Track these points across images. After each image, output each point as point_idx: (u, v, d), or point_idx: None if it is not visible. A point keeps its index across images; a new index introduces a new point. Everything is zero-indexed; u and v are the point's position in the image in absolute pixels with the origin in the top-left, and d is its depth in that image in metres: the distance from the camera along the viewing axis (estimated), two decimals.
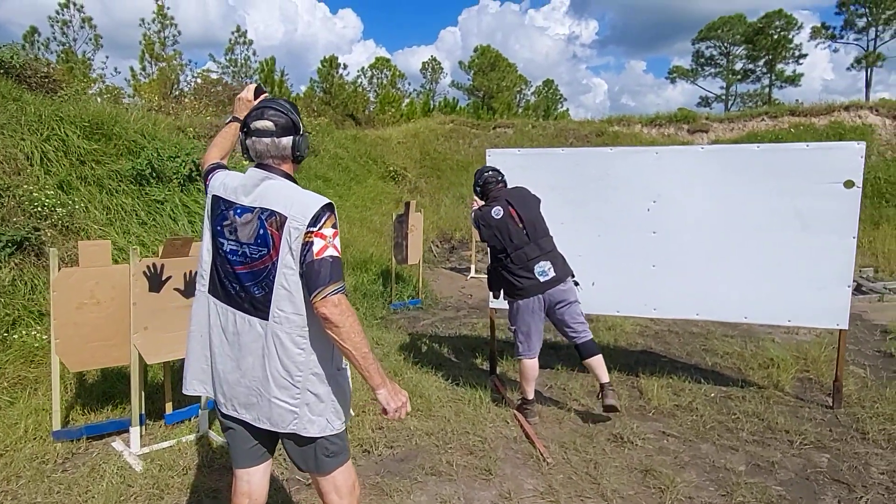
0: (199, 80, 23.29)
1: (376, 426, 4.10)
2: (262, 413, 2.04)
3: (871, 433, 3.95)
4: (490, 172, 4.34)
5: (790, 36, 43.82)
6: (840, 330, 4.32)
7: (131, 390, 3.71)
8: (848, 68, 45.03)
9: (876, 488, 3.36)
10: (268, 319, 1.98)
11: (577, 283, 4.24)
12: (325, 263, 1.91)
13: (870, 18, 40.70)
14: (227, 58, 30.54)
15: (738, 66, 46.64)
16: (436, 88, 45.70)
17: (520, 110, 40.51)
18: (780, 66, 44.79)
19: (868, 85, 41.59)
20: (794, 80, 44.86)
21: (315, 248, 1.91)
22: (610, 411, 4.11)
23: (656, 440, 3.98)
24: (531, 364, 4.23)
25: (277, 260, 1.96)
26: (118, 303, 3.80)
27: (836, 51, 53.26)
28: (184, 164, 7.19)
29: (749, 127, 14.83)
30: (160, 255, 3.72)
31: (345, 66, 36.40)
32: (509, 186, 4.35)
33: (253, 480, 2.18)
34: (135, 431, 3.71)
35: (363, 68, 42.75)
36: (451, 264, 11.08)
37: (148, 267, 3.67)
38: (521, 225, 4.11)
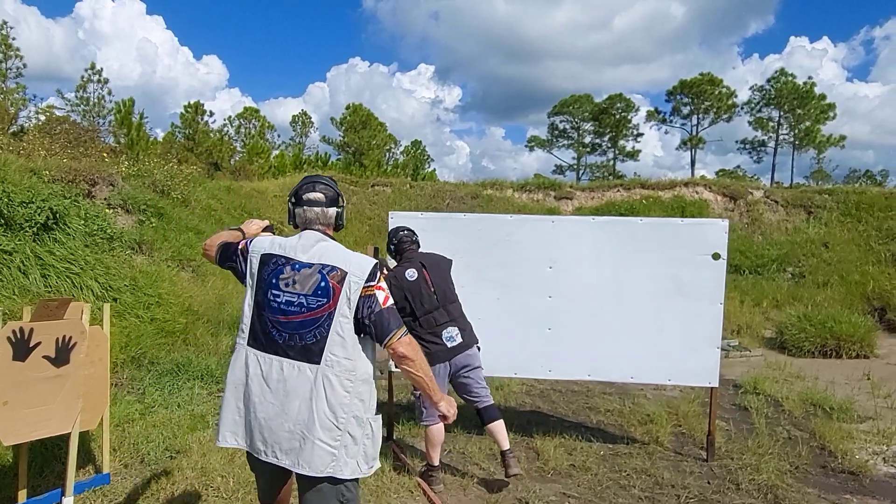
0: (42, 117, 21.22)
1: None
2: (302, 457, 2.21)
3: (743, 484, 4.32)
4: (405, 232, 4.35)
5: (629, 117, 49.37)
6: (711, 388, 4.75)
7: None
8: (677, 148, 51.30)
9: None
10: (319, 364, 2.22)
11: (479, 348, 4.29)
12: (392, 311, 2.28)
13: (692, 108, 47.03)
14: (79, 95, 28.25)
15: (588, 139, 51.45)
16: (306, 142, 45.40)
17: (389, 168, 41.20)
18: (621, 142, 50.04)
19: (693, 163, 47.66)
20: (633, 155, 50.30)
21: (380, 299, 2.25)
22: (514, 478, 4.13)
23: (558, 502, 4.06)
24: (437, 429, 4.16)
25: (335, 309, 2.22)
26: None
27: (666, 132, 60.73)
28: (39, 210, 6.43)
29: (607, 196, 16.32)
30: (31, 317, 3.25)
31: (211, 114, 35.12)
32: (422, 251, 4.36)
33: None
34: None
35: (230, 117, 41.52)
36: None
37: (14, 332, 3.18)
38: (432, 289, 4.11)
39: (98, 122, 27.13)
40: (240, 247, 2.44)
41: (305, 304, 2.24)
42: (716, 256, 4.62)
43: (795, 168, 44.71)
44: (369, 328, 2.24)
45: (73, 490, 3.57)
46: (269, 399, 2.23)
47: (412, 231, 4.38)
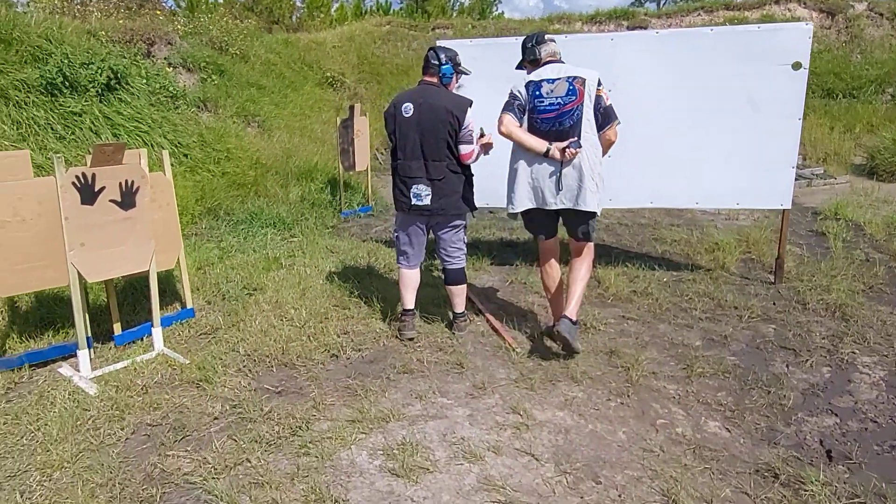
0: None
1: (341, 331, 4.06)
2: (580, 199, 3.41)
3: (810, 304, 4.22)
4: (431, 52, 3.74)
5: None
6: (783, 210, 4.50)
7: (74, 312, 3.46)
8: None
9: (819, 351, 3.62)
10: (579, 139, 3.36)
11: (473, 213, 3.99)
12: (612, 108, 3.44)
13: None
14: None
15: None
16: None
17: (454, 14, 38.80)
18: None
19: None
20: None
21: (605, 99, 3.42)
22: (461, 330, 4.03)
23: (617, 324, 4.13)
24: (407, 273, 4.00)
25: (582, 102, 3.38)
26: (46, 219, 3.46)
27: None
28: (100, 70, 6.54)
29: (686, 22, 14.76)
30: (89, 163, 3.39)
31: None
32: (443, 89, 3.73)
33: (554, 245, 3.75)
34: (83, 354, 3.49)
35: None
36: None
37: (77, 177, 3.34)
38: (418, 137, 3.64)
39: None
40: (518, 95, 3.52)
41: (562, 102, 3.38)
42: (796, 66, 4.14)
43: None
44: (597, 118, 3.41)
45: (161, 323, 3.94)
46: (551, 168, 3.41)
47: (438, 53, 3.70)
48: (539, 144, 3.39)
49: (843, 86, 12.41)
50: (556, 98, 3.38)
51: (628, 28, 14.98)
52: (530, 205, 3.50)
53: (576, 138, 3.35)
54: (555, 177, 3.41)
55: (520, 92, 3.48)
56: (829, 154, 9.45)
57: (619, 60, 4.41)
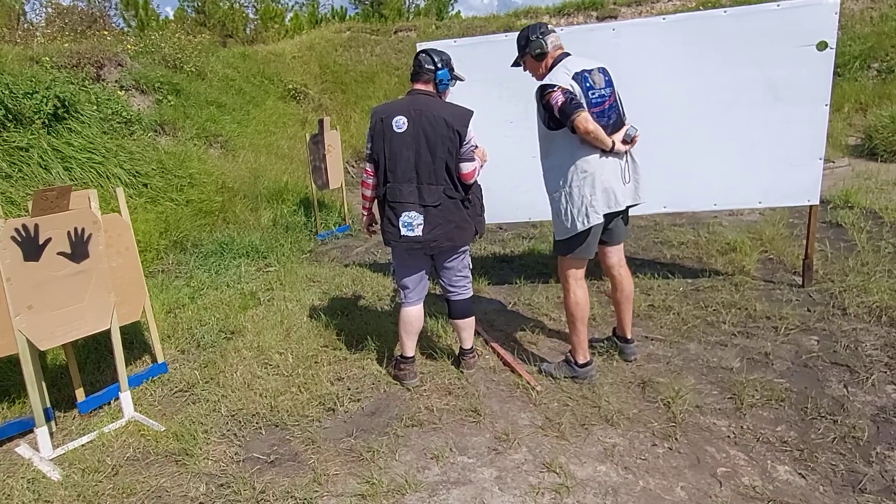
0: (49, 10, 20.11)
1: (335, 377, 3.58)
2: (638, 192, 3.22)
3: (850, 308, 3.85)
4: (423, 55, 3.23)
5: None
6: (810, 206, 4.13)
7: (27, 386, 2.93)
8: None
9: (876, 366, 3.24)
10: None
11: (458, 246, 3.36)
12: None
13: None
14: None
15: None
16: None
17: (410, 15, 38.34)
18: None
19: None
20: None
21: None
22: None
23: (642, 346, 3.72)
24: (409, 313, 3.45)
25: (616, 94, 3.19)
26: None
27: None
28: (45, 100, 5.92)
29: (657, 8, 14.46)
30: (31, 212, 2.87)
31: None
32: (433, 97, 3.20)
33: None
34: (42, 432, 2.99)
35: None
36: None
37: (17, 230, 2.83)
38: (412, 156, 3.11)
39: (105, 7, 25.57)
40: (571, 90, 3.00)
41: (605, 94, 3.10)
42: (821, 46, 3.77)
43: None
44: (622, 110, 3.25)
45: (130, 383, 3.44)
46: (615, 164, 3.09)
47: (432, 57, 3.21)
48: (608, 140, 3.02)
49: None
50: (601, 89, 3.08)
51: (598, 18, 14.68)
52: (607, 210, 3.09)
53: (628, 125, 3.10)
54: (619, 172, 3.12)
55: (571, 86, 3.00)
56: None
57: (623, 52, 4.00)
